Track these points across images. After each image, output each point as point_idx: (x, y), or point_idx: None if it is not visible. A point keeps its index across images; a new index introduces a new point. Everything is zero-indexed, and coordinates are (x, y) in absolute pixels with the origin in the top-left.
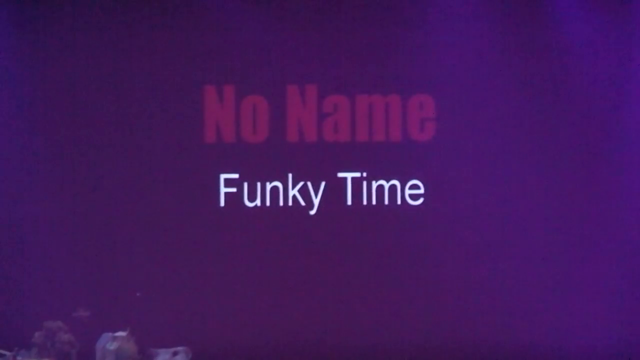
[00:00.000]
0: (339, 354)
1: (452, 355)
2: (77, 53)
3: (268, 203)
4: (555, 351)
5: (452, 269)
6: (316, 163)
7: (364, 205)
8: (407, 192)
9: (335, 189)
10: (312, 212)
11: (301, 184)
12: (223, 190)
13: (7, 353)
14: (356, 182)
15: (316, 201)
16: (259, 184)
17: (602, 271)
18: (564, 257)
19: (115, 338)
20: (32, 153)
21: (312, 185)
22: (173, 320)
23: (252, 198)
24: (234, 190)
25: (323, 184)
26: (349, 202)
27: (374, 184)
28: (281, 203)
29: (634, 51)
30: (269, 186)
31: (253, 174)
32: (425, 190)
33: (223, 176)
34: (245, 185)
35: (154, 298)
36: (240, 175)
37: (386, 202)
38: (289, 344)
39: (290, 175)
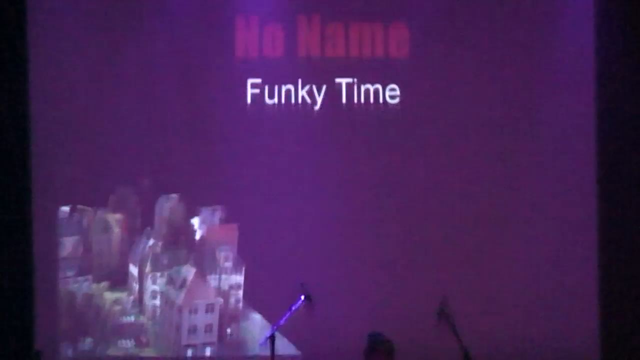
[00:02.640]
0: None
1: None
2: None
3: (283, 101)
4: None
5: (422, 149)
6: (319, 72)
7: (354, 103)
8: (387, 93)
9: (333, 90)
10: (317, 108)
11: (308, 87)
12: (250, 90)
13: (89, 208)
14: (349, 86)
15: (319, 99)
16: (276, 87)
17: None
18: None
19: (169, 199)
20: None
21: (316, 88)
22: (213, 185)
23: (271, 97)
24: (257, 91)
25: (324, 87)
26: (344, 100)
27: (362, 87)
28: (293, 101)
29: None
30: (284, 88)
31: (272, 79)
32: (400, 92)
33: (250, 80)
34: (266, 87)
35: (196, 167)
36: (262, 80)
37: (371, 101)
38: (299, 210)
39: (299, 80)
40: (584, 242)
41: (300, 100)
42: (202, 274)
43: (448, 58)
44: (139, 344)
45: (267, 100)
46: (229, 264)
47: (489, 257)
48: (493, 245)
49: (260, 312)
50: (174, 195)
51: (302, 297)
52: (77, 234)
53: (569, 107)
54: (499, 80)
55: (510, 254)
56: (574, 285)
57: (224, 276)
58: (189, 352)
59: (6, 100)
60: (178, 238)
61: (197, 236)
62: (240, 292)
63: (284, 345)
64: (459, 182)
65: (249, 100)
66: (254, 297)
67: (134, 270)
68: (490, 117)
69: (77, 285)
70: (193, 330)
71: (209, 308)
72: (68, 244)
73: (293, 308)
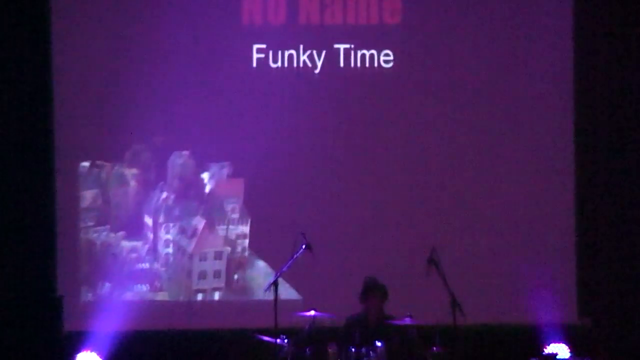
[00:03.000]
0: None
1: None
2: None
3: (286, 65)
4: None
5: (414, 109)
6: (319, 38)
7: (351, 67)
8: (382, 58)
9: (332, 55)
10: (317, 71)
11: (309, 51)
12: (255, 55)
13: (107, 164)
14: (346, 51)
15: (319, 64)
16: (279, 52)
17: None
18: None
19: (180, 155)
20: None
21: (316, 53)
22: (221, 143)
23: (275, 61)
24: (262, 55)
25: (324, 52)
26: (342, 65)
27: (359, 52)
28: (295, 65)
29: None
30: (287, 53)
31: (275, 44)
32: (394, 57)
33: (255, 46)
34: (270, 52)
35: (205, 126)
36: (267, 46)
37: (367, 65)
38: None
39: (301, 46)
40: (562, 197)
41: (301, 64)
42: (211, 225)
43: (438, 24)
44: (153, 288)
45: (272, 64)
46: (235, 216)
47: (474, 210)
48: (478, 199)
49: (264, 260)
50: (185, 152)
51: (303, 246)
52: (96, 187)
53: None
54: (485, 44)
55: (494, 208)
56: (553, 237)
57: (231, 226)
58: (199, 296)
59: (30, 65)
60: (189, 191)
61: (207, 190)
62: (246, 241)
63: (286, 290)
64: (447, 138)
65: (254, 64)
66: (259, 246)
67: (148, 220)
68: (476, 78)
69: (96, 235)
70: (203, 276)
71: (218, 256)
72: (88, 197)
73: (295, 256)
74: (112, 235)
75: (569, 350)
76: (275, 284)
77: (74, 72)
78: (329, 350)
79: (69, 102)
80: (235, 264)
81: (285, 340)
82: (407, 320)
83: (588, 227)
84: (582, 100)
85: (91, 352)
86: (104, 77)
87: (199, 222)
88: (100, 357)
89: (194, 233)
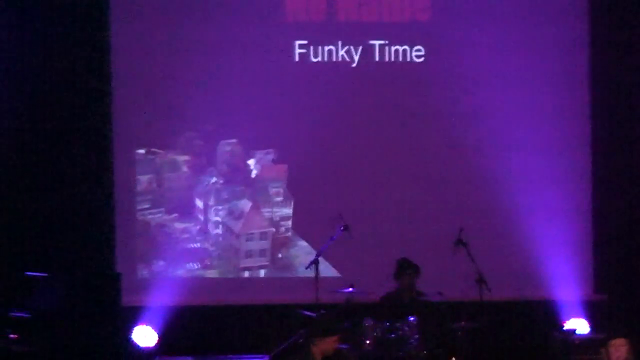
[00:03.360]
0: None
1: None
2: None
3: (326, 59)
4: None
5: (443, 100)
6: (356, 34)
7: (385, 61)
8: (414, 53)
9: (368, 50)
10: (354, 65)
11: (347, 47)
12: (297, 50)
13: (161, 151)
14: (381, 47)
15: (356, 58)
16: (319, 47)
17: None
18: None
19: (229, 143)
20: None
21: (354, 48)
22: (266, 131)
23: (315, 56)
24: (304, 50)
25: (360, 47)
26: (377, 59)
27: (392, 48)
28: (334, 59)
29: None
30: (326, 48)
31: (316, 40)
32: (425, 52)
33: (297, 42)
34: (311, 47)
35: (252, 116)
36: (307, 41)
37: (400, 59)
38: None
39: (339, 42)
40: (579, 177)
41: (340, 59)
42: (256, 207)
43: (465, 21)
44: (203, 266)
45: (312, 59)
46: (279, 199)
47: (498, 193)
48: (501, 183)
49: (306, 240)
50: (233, 140)
51: (341, 227)
52: (151, 172)
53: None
54: (506, 41)
55: (515, 190)
56: (571, 216)
57: (275, 209)
58: (246, 274)
59: (89, 58)
60: (236, 176)
61: (253, 175)
62: (289, 222)
63: (326, 268)
64: (473, 127)
65: (297, 58)
66: (301, 226)
67: (199, 203)
68: (499, 71)
69: (151, 216)
70: (249, 254)
71: (263, 236)
72: (144, 181)
73: (333, 236)
74: (166, 216)
75: (588, 325)
76: (316, 262)
77: (131, 66)
78: (365, 324)
79: (126, 94)
80: (279, 244)
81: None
82: (438, 296)
83: (604, 203)
84: (599, 80)
85: (146, 325)
86: (159, 70)
87: (246, 205)
88: (155, 331)
89: (241, 215)
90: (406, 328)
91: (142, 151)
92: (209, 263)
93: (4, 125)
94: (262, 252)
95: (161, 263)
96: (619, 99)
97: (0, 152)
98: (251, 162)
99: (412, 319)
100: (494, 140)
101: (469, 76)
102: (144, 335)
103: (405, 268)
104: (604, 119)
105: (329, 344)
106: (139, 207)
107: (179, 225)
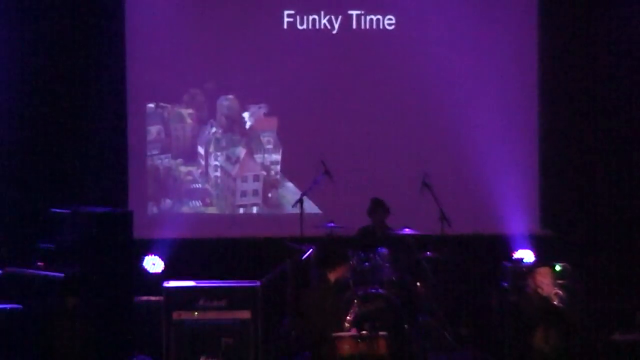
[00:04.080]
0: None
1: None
2: None
3: (310, 27)
4: None
5: (410, 62)
6: (336, 5)
7: (361, 29)
8: (386, 22)
9: (347, 19)
10: (334, 32)
11: (328, 16)
12: (286, 19)
13: (168, 105)
14: (358, 16)
15: (336, 26)
16: (305, 16)
17: None
18: None
19: (227, 98)
20: None
21: (334, 17)
22: (259, 88)
23: (301, 24)
24: (291, 19)
25: (340, 16)
26: (354, 27)
27: (367, 17)
28: (317, 27)
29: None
30: (310, 17)
31: (302, 10)
32: (396, 21)
33: (285, 11)
34: (298, 16)
35: (247, 75)
36: (295, 11)
37: (374, 27)
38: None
39: (322, 12)
40: (527, 123)
41: (322, 27)
42: (250, 153)
43: None
44: (204, 204)
45: (299, 26)
46: (270, 146)
47: (458, 140)
48: (461, 132)
49: (292, 182)
50: (231, 96)
51: (323, 171)
52: (160, 123)
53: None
54: (465, 13)
55: (472, 138)
56: (521, 159)
57: (266, 155)
58: (241, 210)
59: (107, 23)
60: (233, 127)
61: (247, 126)
62: (278, 167)
63: (310, 206)
64: (437, 84)
65: (285, 26)
66: (288, 170)
67: (201, 150)
68: (458, 39)
69: (159, 161)
70: (244, 194)
71: (256, 178)
72: (153, 131)
73: (316, 179)
74: (172, 161)
75: (533, 256)
76: (301, 201)
77: (143, 30)
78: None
79: (138, 56)
80: (270, 185)
81: (309, 246)
82: (406, 231)
83: (549, 150)
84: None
85: (155, 255)
86: (167, 34)
87: (241, 152)
88: (162, 260)
89: (237, 160)
90: (378, 258)
91: (152, 105)
92: (209, 201)
93: (30, 80)
94: (254, 192)
95: (168, 201)
96: (564, 53)
97: (31, 106)
98: (246, 114)
99: (383, 250)
100: (455, 96)
101: (432, 41)
102: (153, 263)
103: (378, 206)
104: (549, 72)
105: (341, 271)
106: (149, 153)
107: (183, 169)
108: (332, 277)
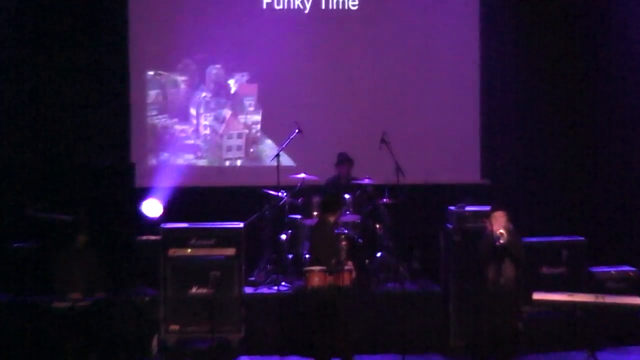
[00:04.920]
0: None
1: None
2: None
3: (285, 6)
4: None
5: (372, 36)
6: None
7: (329, 9)
8: (350, 3)
9: (317, 0)
10: (306, 12)
11: None
12: (265, 1)
13: (165, 72)
14: (326, 0)
15: (308, 6)
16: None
17: None
18: None
19: (215, 67)
20: None
21: (302, 1)
22: (242, 59)
23: (278, 4)
24: (270, 1)
25: (311, 0)
26: (323, 7)
27: (332, 0)
28: (292, 7)
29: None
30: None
31: None
32: (360, 3)
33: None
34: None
35: (232, 48)
36: None
37: (340, 7)
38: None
39: None
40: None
41: (296, 7)
42: (235, 114)
43: None
44: (196, 157)
45: (276, 7)
46: (252, 108)
47: (412, 103)
48: (413, 96)
49: (271, 139)
50: (218, 65)
51: (296, 130)
52: (158, 88)
53: None
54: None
55: (423, 101)
56: (465, 117)
57: (248, 116)
58: (227, 163)
59: (111, 3)
60: (220, 92)
61: (232, 91)
62: (259, 126)
63: (285, 159)
64: (392, 56)
65: (264, 6)
66: (267, 129)
67: (193, 111)
68: (411, 20)
69: (157, 121)
70: (229, 149)
71: (239, 136)
72: (152, 94)
73: (290, 136)
74: (169, 120)
75: (474, 202)
76: (277, 155)
77: (143, 6)
78: (313, 200)
79: (139, 29)
80: (251, 141)
81: (284, 193)
82: (367, 180)
83: (489, 114)
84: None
85: (154, 199)
86: (164, 11)
87: (227, 113)
88: (161, 204)
89: (223, 120)
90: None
91: (151, 73)
92: (200, 155)
93: (50, 45)
94: (238, 148)
95: (165, 155)
96: (502, 15)
97: (45, 76)
98: (231, 81)
99: (347, 196)
100: (408, 65)
101: (389, 20)
102: (152, 209)
103: (343, 159)
104: (490, 49)
105: (339, 215)
106: (148, 114)
107: (178, 127)
108: (331, 219)
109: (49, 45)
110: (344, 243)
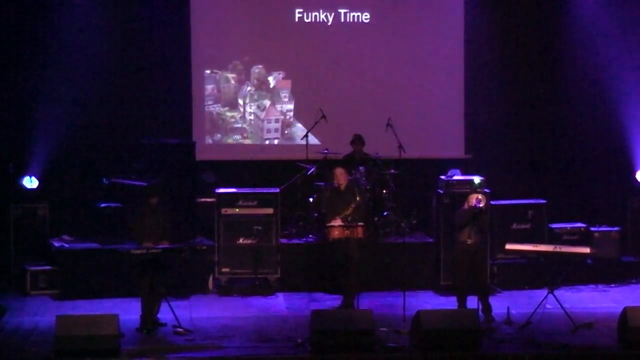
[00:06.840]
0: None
1: None
2: None
3: (313, 20)
4: None
5: (380, 42)
6: (330, 5)
7: (348, 22)
8: (363, 17)
9: (337, 15)
10: (329, 24)
11: (325, 13)
12: (297, 15)
13: (219, 71)
14: (345, 13)
15: (330, 20)
16: (309, 12)
17: None
18: None
19: (257, 67)
20: None
21: (329, 14)
22: (279, 61)
23: (307, 18)
24: (300, 15)
25: (333, 13)
26: (342, 20)
27: (351, 14)
28: (318, 20)
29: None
30: (313, 13)
31: (307, 9)
32: (370, 17)
33: (296, 9)
34: (305, 13)
35: (272, 53)
36: (303, 9)
37: (356, 20)
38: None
39: (320, 10)
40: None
41: (321, 20)
42: (273, 104)
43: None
44: (243, 137)
45: (305, 20)
46: (286, 99)
47: (411, 95)
48: (410, 87)
49: (301, 123)
50: (260, 65)
51: (321, 116)
52: (213, 83)
53: None
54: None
55: (417, 93)
56: (450, 101)
57: (284, 105)
58: (267, 142)
59: (173, 10)
60: (262, 86)
61: (271, 85)
62: (292, 113)
63: (312, 139)
64: (396, 59)
65: (296, 19)
66: (298, 116)
67: (240, 101)
68: (410, 29)
69: (212, 108)
70: (269, 131)
71: (277, 121)
72: (209, 88)
73: (316, 121)
74: (221, 109)
75: (460, 173)
76: (306, 135)
77: (204, 14)
78: (336, 171)
79: (200, 34)
80: (286, 125)
81: (311, 167)
82: (376, 155)
83: (472, 95)
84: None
85: (210, 171)
86: (220, 21)
87: (267, 103)
88: (215, 173)
89: (264, 108)
90: (358, 175)
91: (208, 71)
92: (245, 135)
93: (109, 51)
94: (276, 130)
95: (218, 135)
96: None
97: (110, 68)
98: (270, 78)
99: (361, 168)
100: (409, 63)
101: (394, 30)
102: (209, 176)
103: (357, 139)
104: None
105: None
106: (206, 104)
107: (228, 114)
108: (343, 183)
109: (126, 48)
110: (366, 196)
